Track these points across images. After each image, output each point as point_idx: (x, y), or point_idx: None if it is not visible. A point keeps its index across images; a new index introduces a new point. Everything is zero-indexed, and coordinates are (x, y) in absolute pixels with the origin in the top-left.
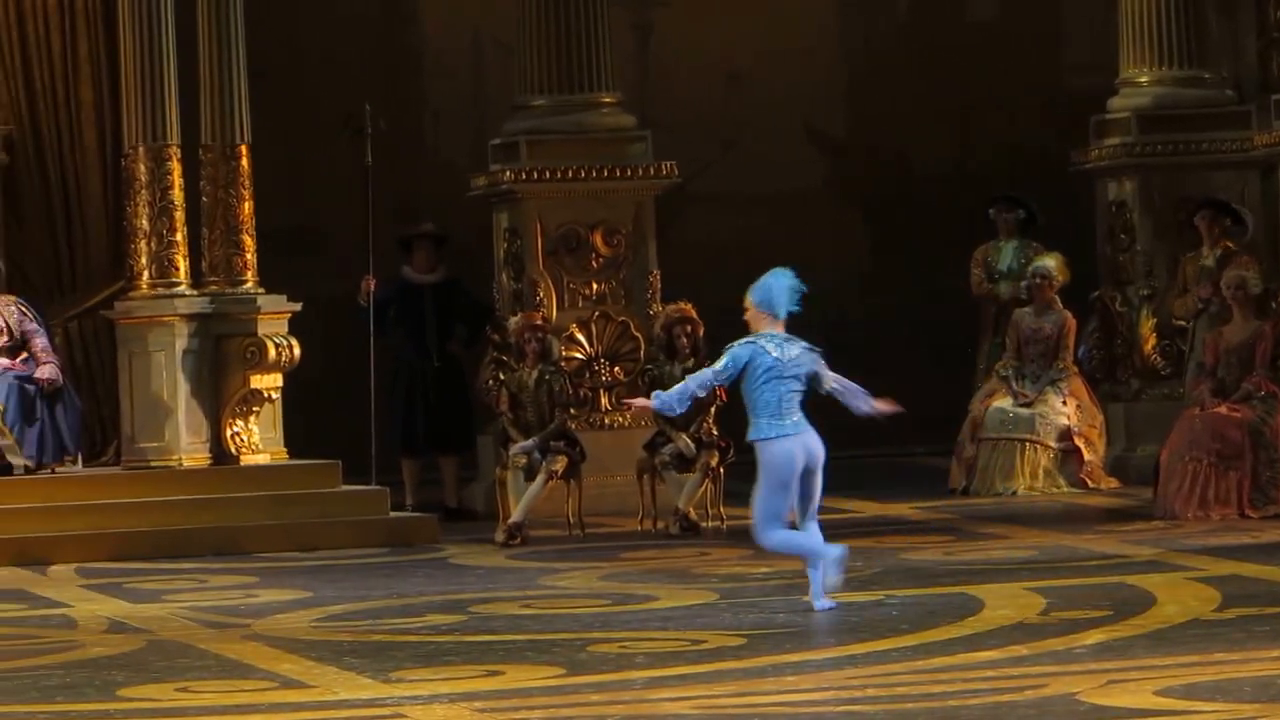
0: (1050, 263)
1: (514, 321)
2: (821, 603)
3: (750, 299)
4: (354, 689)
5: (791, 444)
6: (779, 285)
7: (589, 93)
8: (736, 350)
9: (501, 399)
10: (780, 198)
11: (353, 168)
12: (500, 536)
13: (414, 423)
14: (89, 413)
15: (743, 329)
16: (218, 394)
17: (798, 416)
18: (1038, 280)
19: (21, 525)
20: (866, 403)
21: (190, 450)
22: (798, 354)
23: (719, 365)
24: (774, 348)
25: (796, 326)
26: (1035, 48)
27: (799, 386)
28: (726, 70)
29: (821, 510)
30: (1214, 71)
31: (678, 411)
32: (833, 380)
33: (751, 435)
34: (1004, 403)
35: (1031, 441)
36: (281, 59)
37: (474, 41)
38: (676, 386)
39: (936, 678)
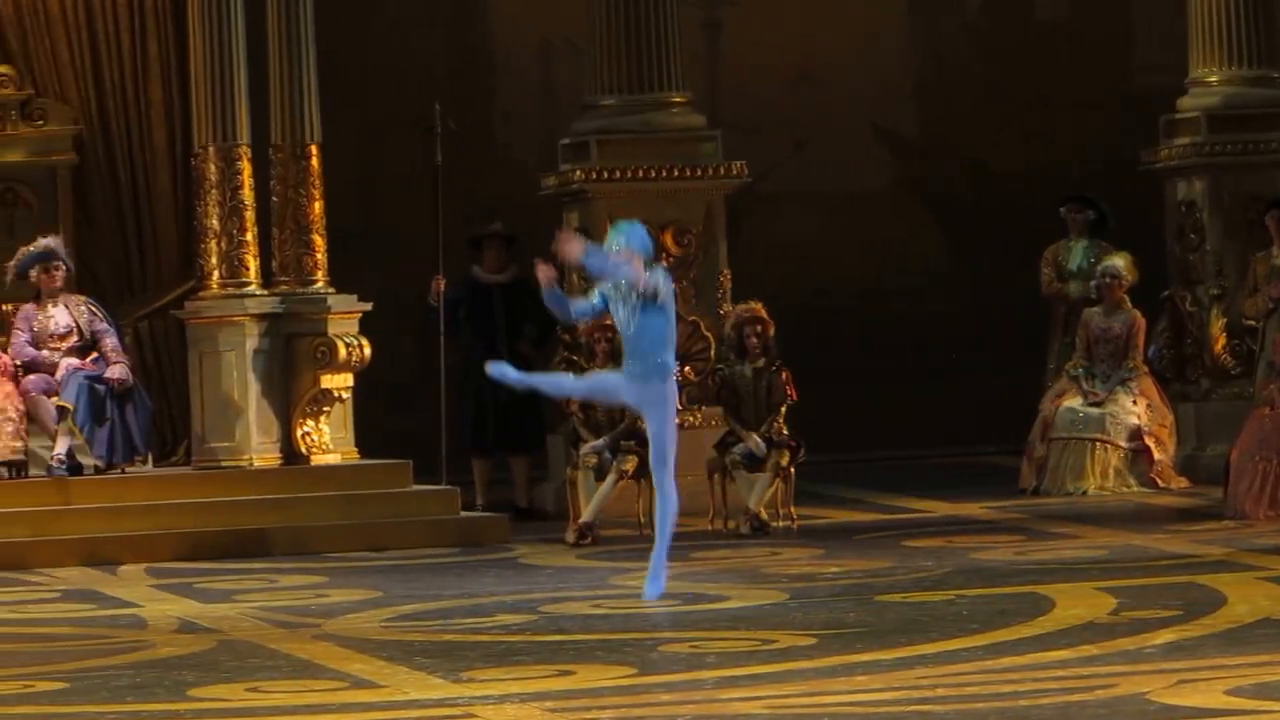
0: (1119, 262)
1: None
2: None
3: (632, 248)
4: (424, 689)
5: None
6: (641, 230)
7: (659, 92)
8: (668, 277)
9: (572, 399)
10: (850, 198)
11: (423, 167)
12: (571, 536)
13: (484, 422)
14: (159, 413)
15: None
16: (288, 394)
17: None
18: (1107, 280)
19: (92, 525)
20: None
21: (261, 450)
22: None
23: (662, 279)
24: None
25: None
26: (1105, 47)
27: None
28: (797, 69)
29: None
30: None
31: (594, 265)
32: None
33: (670, 370)
34: (1074, 402)
35: (1102, 441)
36: (351, 59)
37: (543, 41)
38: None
39: (1007, 677)
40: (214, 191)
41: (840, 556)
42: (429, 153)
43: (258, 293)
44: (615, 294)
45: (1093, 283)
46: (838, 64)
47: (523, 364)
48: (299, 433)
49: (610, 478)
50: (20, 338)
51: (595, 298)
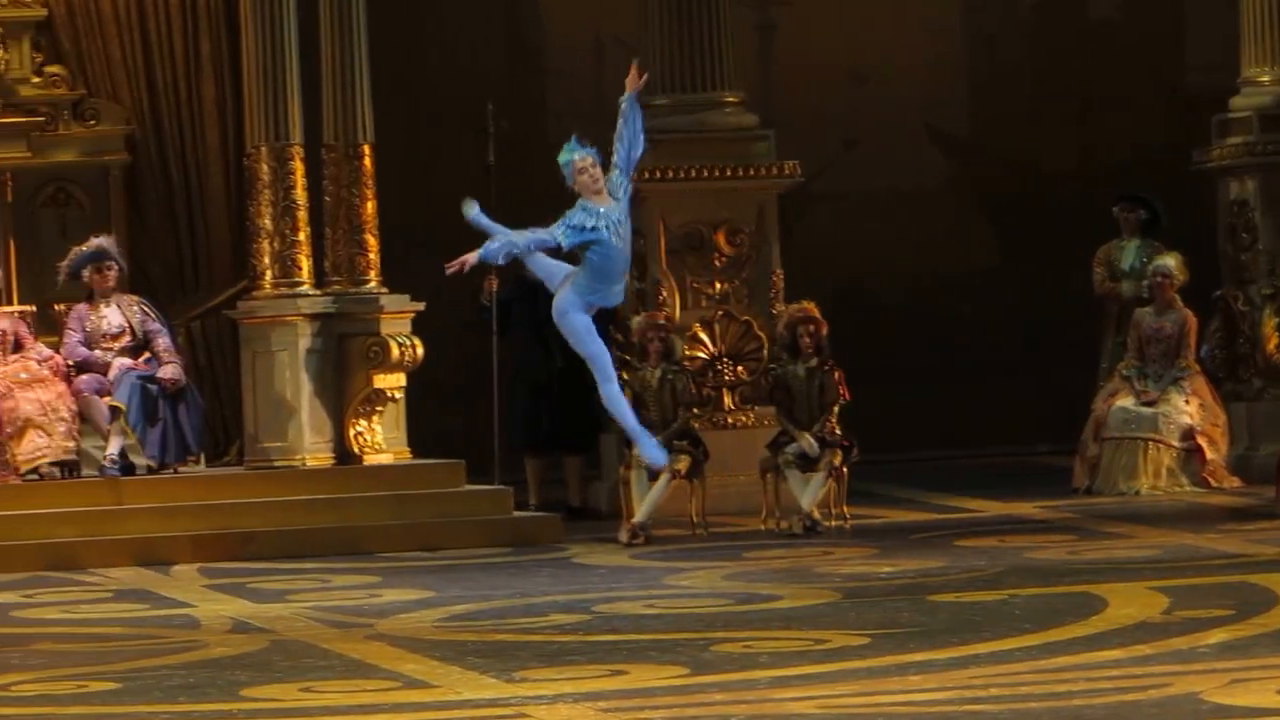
0: (1170, 262)
1: (637, 321)
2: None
3: (592, 156)
4: (477, 689)
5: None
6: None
7: (712, 92)
8: (573, 219)
9: (625, 398)
10: (903, 197)
11: (475, 167)
12: (624, 536)
13: (537, 422)
14: (212, 412)
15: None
16: (341, 393)
17: (621, 287)
18: (1158, 279)
19: (145, 525)
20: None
21: (313, 450)
22: (619, 213)
23: (557, 230)
24: (601, 216)
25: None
26: (1157, 47)
27: (626, 254)
28: (849, 69)
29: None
30: None
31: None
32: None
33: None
34: (1127, 402)
35: (1154, 441)
36: (405, 58)
37: (596, 41)
38: (501, 239)
39: (1060, 677)
40: (267, 191)
41: (893, 556)
42: (481, 152)
43: (310, 292)
44: (600, 219)
45: (1144, 282)
46: (890, 63)
47: (576, 363)
48: (352, 432)
49: (663, 477)
50: (73, 338)
51: (557, 234)
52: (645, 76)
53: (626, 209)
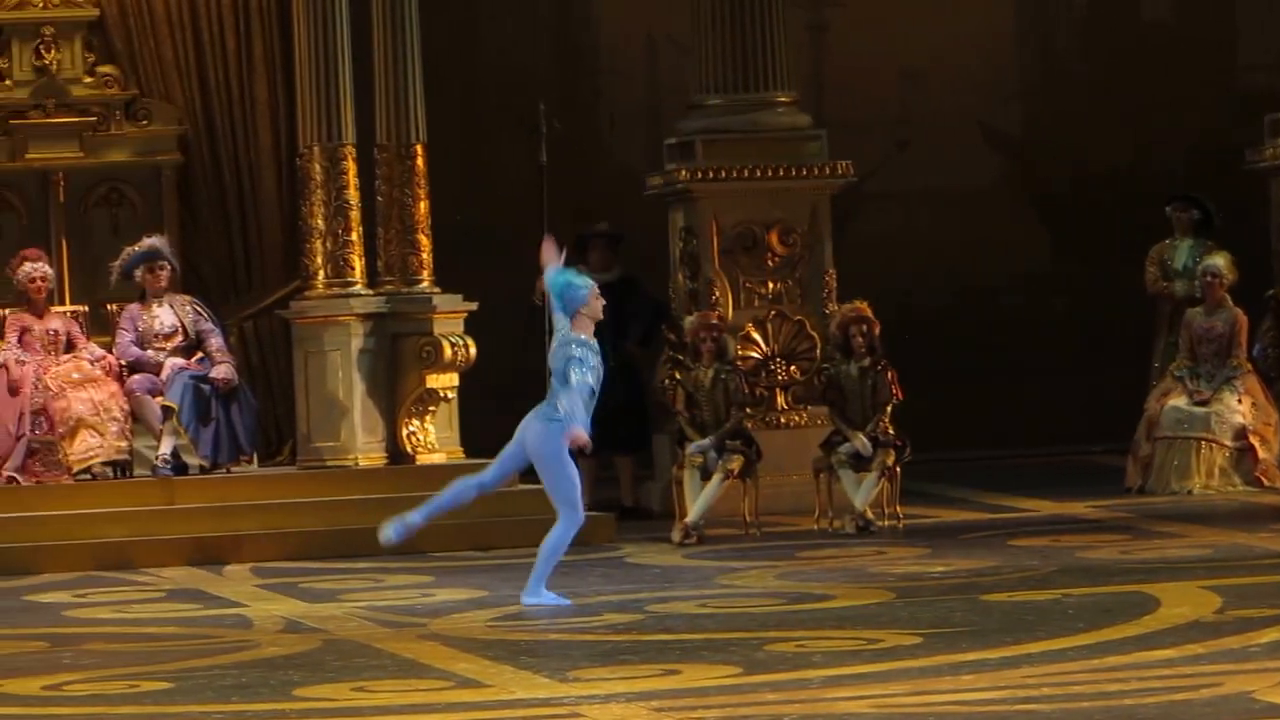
0: (1219, 261)
1: (690, 321)
2: None
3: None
4: (530, 688)
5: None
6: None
7: (764, 92)
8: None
9: (678, 398)
10: (956, 196)
11: (528, 167)
12: (677, 536)
13: (590, 422)
14: (264, 412)
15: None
16: (393, 393)
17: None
18: (1208, 279)
19: (197, 525)
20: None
21: (366, 450)
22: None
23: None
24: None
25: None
26: (1210, 47)
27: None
28: (901, 69)
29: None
30: None
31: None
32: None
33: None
34: (1180, 401)
35: (1207, 440)
36: (457, 58)
37: (649, 41)
38: (578, 404)
39: (1112, 676)
40: (319, 191)
41: (946, 556)
42: (534, 152)
43: (363, 292)
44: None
45: (1196, 282)
46: (943, 63)
47: (629, 362)
48: (404, 432)
49: (716, 477)
50: (125, 337)
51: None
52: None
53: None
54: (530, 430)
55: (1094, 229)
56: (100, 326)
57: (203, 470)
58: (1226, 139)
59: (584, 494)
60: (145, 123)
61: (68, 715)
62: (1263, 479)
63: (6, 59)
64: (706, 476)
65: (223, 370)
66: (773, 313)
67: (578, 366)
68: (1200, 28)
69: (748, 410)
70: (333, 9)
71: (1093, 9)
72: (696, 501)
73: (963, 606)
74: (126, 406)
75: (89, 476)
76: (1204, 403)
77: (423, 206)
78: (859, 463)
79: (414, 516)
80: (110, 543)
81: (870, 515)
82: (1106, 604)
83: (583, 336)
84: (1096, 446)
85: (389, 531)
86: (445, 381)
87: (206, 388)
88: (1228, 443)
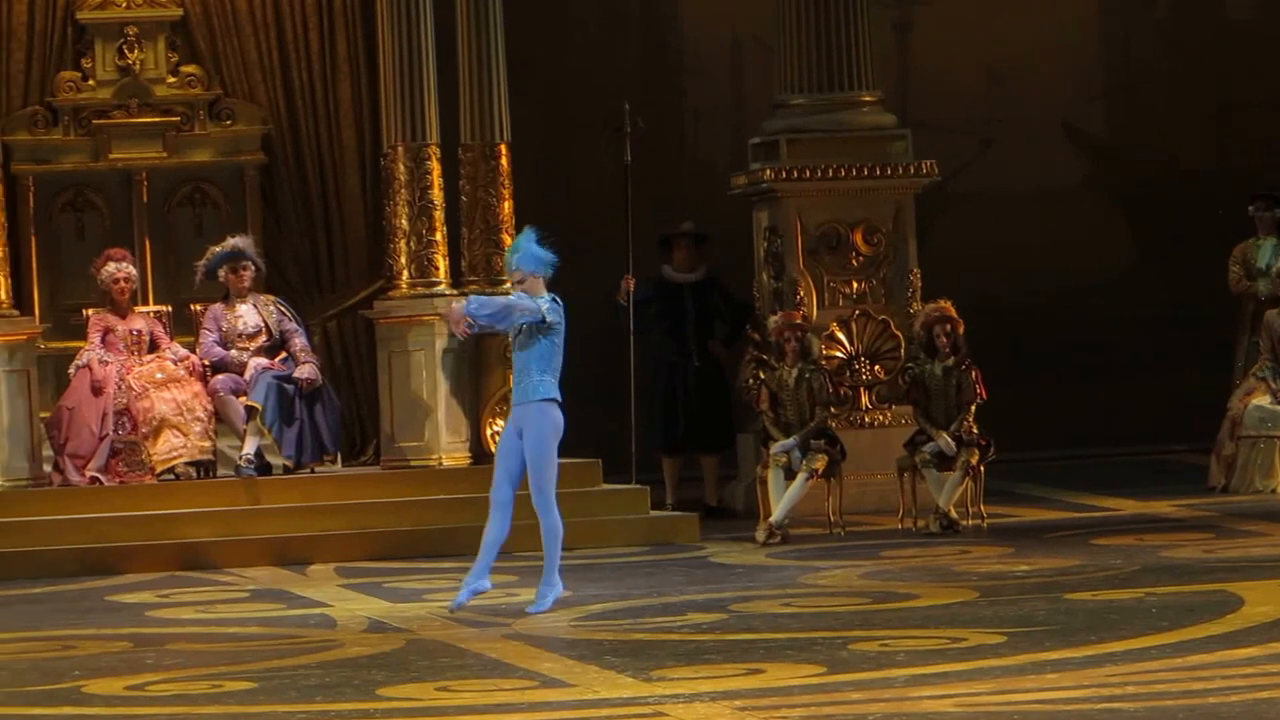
0: None
1: (774, 320)
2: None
3: (523, 269)
4: (614, 688)
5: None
6: (534, 246)
7: (849, 91)
8: (556, 307)
9: (762, 397)
10: (1040, 196)
11: (613, 167)
12: (761, 535)
13: (674, 421)
14: (348, 412)
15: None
16: (477, 393)
17: (515, 383)
18: None
19: (281, 525)
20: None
21: (450, 449)
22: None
23: (548, 310)
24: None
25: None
26: None
27: (514, 350)
28: (986, 68)
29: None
30: None
31: (484, 322)
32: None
33: (548, 393)
34: (1263, 400)
35: None
36: (542, 58)
37: (733, 40)
38: (500, 300)
39: (1196, 675)
40: (403, 191)
41: (1030, 555)
42: (619, 152)
43: (447, 292)
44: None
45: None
46: (1027, 63)
47: (713, 362)
48: (488, 432)
49: (800, 476)
50: (209, 338)
51: (554, 315)
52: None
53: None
54: (527, 419)
55: (1177, 228)
56: (184, 326)
57: (286, 470)
58: None
59: (669, 493)
60: (229, 123)
61: (151, 715)
62: None
63: (90, 59)
64: (790, 476)
65: (306, 370)
66: (857, 312)
67: (525, 314)
68: None
69: (832, 409)
70: (417, 8)
71: (1176, 8)
72: (780, 501)
73: (1046, 606)
74: (210, 406)
75: (172, 477)
76: None
77: (506, 206)
78: (943, 462)
79: (481, 583)
80: (194, 543)
81: (954, 514)
82: (1190, 603)
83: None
84: (1180, 446)
85: (460, 599)
86: None
87: (290, 388)
88: None
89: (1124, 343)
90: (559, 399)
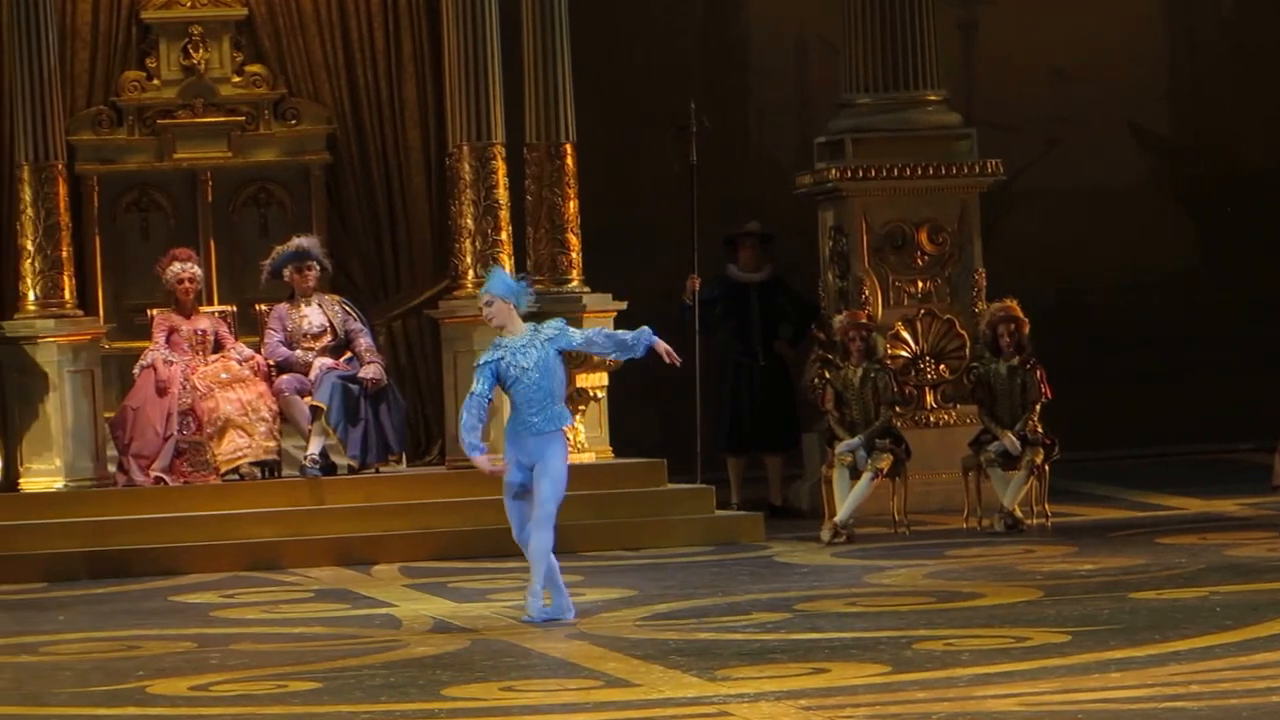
0: None
1: (839, 319)
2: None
3: (491, 292)
4: (679, 687)
5: (512, 445)
6: (506, 276)
7: (914, 90)
8: (484, 368)
9: (827, 397)
10: (1105, 195)
11: (678, 166)
12: (825, 534)
13: (739, 421)
14: (413, 412)
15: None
16: None
17: (534, 414)
18: None
19: (346, 525)
20: (646, 345)
21: None
22: (526, 341)
23: (476, 388)
24: (505, 351)
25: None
26: None
27: (537, 378)
28: (1051, 67)
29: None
30: None
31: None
32: (599, 343)
33: (567, 420)
34: None
35: None
36: (607, 57)
37: (799, 39)
38: (464, 423)
39: (1260, 673)
40: (468, 191)
41: (1094, 554)
42: (684, 151)
43: None
44: (502, 352)
45: None
46: (1092, 61)
47: (778, 362)
48: None
49: (865, 476)
50: (274, 337)
51: (480, 385)
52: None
53: (546, 346)
54: (547, 451)
55: (1242, 227)
56: (248, 326)
57: (351, 470)
58: None
59: (734, 493)
60: (294, 122)
61: (215, 715)
62: None
63: (155, 59)
64: (855, 475)
65: (371, 370)
66: (922, 311)
67: (478, 377)
68: None
69: (897, 409)
70: (482, 8)
71: (1241, 9)
72: (845, 500)
73: (1111, 604)
74: (275, 406)
75: (237, 477)
76: None
77: (572, 206)
78: (1008, 461)
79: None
80: (258, 543)
81: (1019, 513)
82: (1254, 601)
83: (500, 337)
84: (1244, 444)
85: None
86: (595, 381)
87: (355, 388)
88: None
89: (1188, 342)
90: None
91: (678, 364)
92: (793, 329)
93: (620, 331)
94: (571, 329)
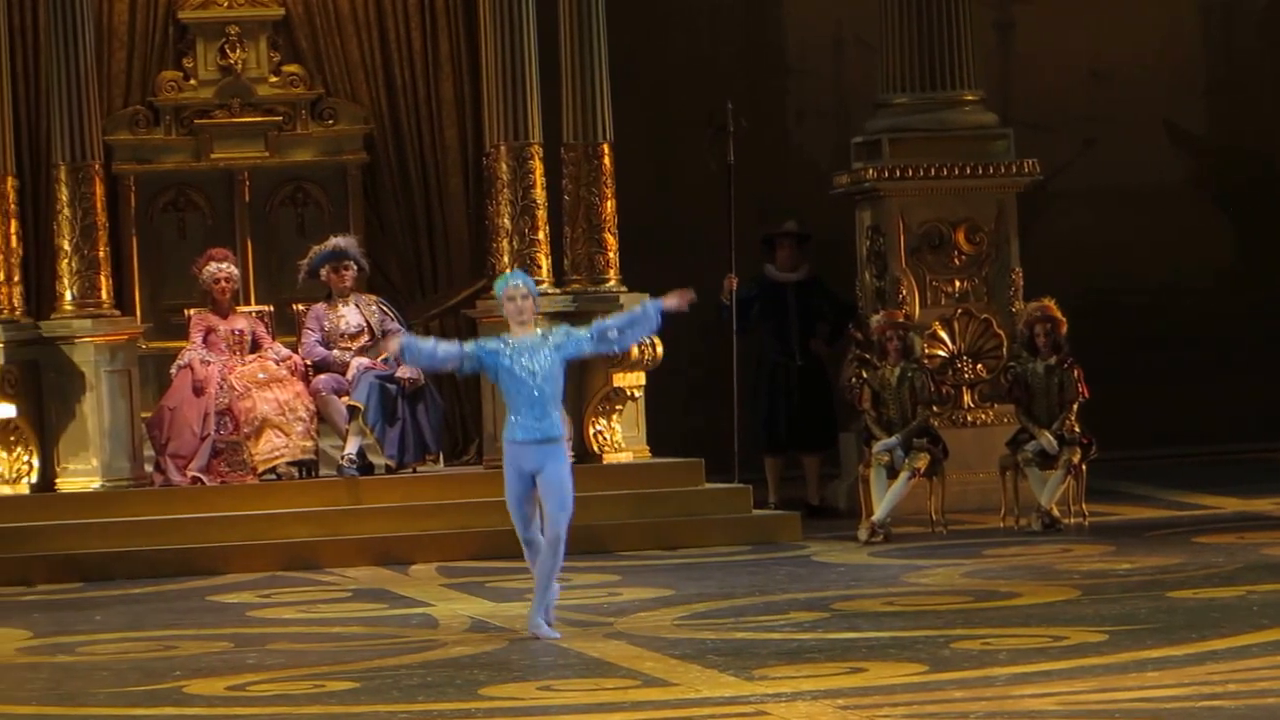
0: None
1: (876, 319)
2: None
3: (530, 290)
4: (716, 687)
5: (513, 451)
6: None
7: (951, 90)
8: (479, 345)
9: (864, 396)
10: (1142, 195)
11: (715, 165)
12: (863, 534)
13: (777, 421)
14: (450, 412)
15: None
16: (580, 392)
17: (538, 419)
18: None
19: (383, 525)
20: (656, 310)
21: None
22: (535, 344)
23: (469, 347)
24: (511, 349)
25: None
26: None
27: (543, 383)
28: (1088, 67)
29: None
30: None
31: (413, 359)
32: (610, 327)
33: (564, 430)
34: None
35: None
36: (644, 57)
37: (836, 39)
38: (431, 343)
39: None
40: (506, 190)
41: (1131, 553)
42: (721, 151)
43: (549, 291)
44: (507, 347)
45: None
46: (1129, 61)
47: (815, 362)
48: (591, 431)
49: (903, 475)
50: (311, 337)
51: (470, 347)
52: (689, 299)
53: (554, 353)
54: (549, 464)
55: (1279, 227)
56: (286, 326)
57: (388, 470)
58: None
59: (772, 493)
60: (331, 122)
61: (252, 715)
62: None
63: (192, 58)
64: (893, 475)
65: (409, 370)
66: (959, 311)
67: (473, 342)
68: None
69: (934, 408)
70: (520, 7)
71: (1277, 8)
72: (883, 500)
73: (1148, 604)
74: (312, 406)
75: (274, 477)
76: None
77: (609, 205)
78: (1045, 460)
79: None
80: (295, 543)
81: (1056, 513)
82: None
83: (508, 333)
84: None
85: (539, 629)
86: (632, 380)
87: (392, 387)
88: None
89: (1225, 341)
90: (503, 438)
91: (693, 299)
92: (830, 329)
93: (626, 313)
94: (578, 331)
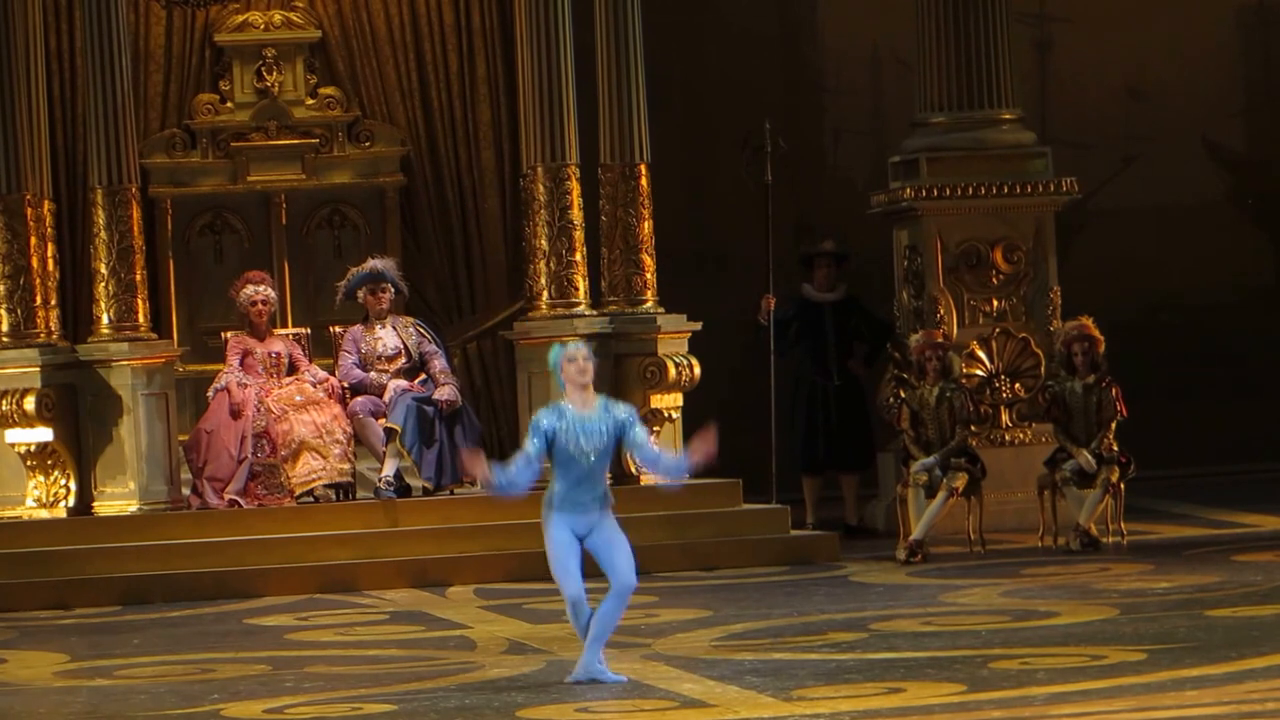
0: None
1: (914, 339)
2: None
3: (587, 349)
4: (755, 708)
5: (559, 517)
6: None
7: (989, 109)
8: (539, 429)
9: (902, 416)
10: (1181, 213)
11: (753, 185)
12: (901, 554)
13: (814, 441)
14: (488, 434)
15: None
16: None
17: (587, 494)
18: None
19: (420, 547)
20: (685, 464)
21: None
22: (596, 419)
23: (528, 448)
24: (569, 423)
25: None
26: None
27: (594, 460)
28: (1127, 85)
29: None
30: None
31: (507, 489)
32: (647, 454)
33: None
34: None
35: None
36: (681, 77)
37: (873, 58)
38: (500, 469)
39: None
40: (543, 212)
41: (1170, 572)
42: (759, 171)
43: (587, 313)
44: (565, 424)
45: None
46: (1167, 79)
47: (853, 381)
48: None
49: (941, 495)
50: (348, 359)
51: (532, 446)
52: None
53: (610, 431)
54: (604, 522)
55: None
56: (323, 349)
57: (426, 492)
58: None
59: (809, 513)
60: (367, 144)
61: None
62: None
63: (228, 81)
64: (931, 494)
65: (446, 392)
66: (997, 330)
67: (532, 435)
68: None
69: (972, 428)
70: (556, 29)
71: None
72: (921, 519)
73: (1187, 622)
74: (349, 429)
75: (311, 499)
76: None
77: (646, 226)
78: (1083, 479)
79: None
80: (333, 565)
81: (1094, 532)
82: None
83: (559, 403)
84: None
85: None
86: (670, 401)
87: (430, 409)
88: None
89: (1265, 359)
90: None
91: (714, 450)
92: (867, 348)
93: (666, 453)
94: (639, 427)
